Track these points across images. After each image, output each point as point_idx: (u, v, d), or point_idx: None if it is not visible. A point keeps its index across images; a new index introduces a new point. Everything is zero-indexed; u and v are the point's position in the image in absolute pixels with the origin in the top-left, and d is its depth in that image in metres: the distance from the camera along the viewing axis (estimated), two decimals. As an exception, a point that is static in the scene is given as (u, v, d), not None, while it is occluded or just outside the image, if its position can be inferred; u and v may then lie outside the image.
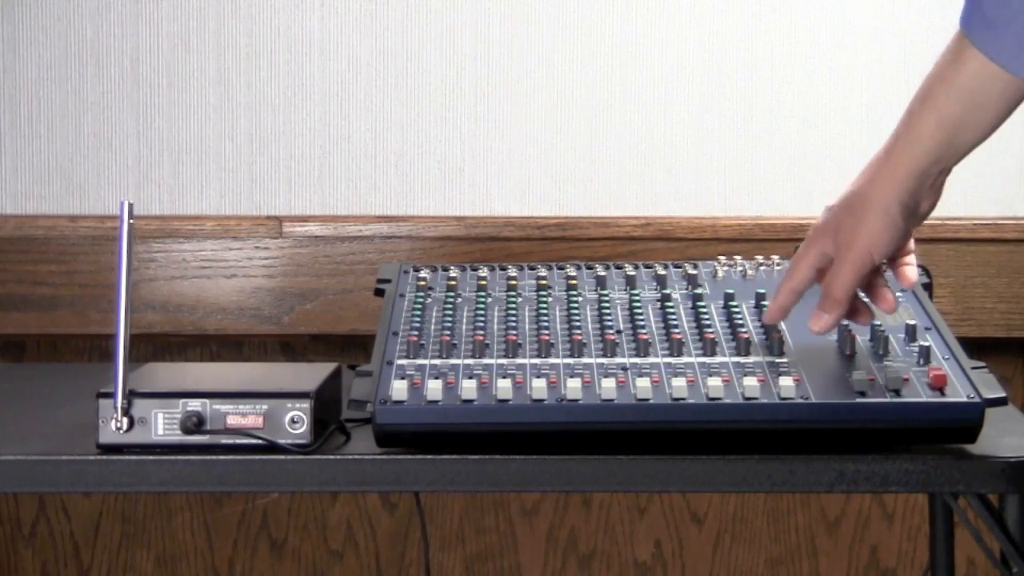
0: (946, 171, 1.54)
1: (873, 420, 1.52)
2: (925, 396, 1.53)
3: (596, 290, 1.78)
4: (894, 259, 1.62)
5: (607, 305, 1.73)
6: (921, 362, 1.58)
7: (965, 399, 1.52)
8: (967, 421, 1.52)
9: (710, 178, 2.35)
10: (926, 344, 1.59)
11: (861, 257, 1.54)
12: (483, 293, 1.77)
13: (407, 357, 1.61)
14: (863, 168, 1.57)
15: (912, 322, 1.65)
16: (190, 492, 2.32)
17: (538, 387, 1.54)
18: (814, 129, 2.34)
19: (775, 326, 1.65)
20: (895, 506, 2.43)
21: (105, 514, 2.41)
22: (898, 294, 1.74)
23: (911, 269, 1.63)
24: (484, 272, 1.84)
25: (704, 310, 1.70)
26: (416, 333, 1.65)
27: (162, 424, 1.54)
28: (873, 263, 1.55)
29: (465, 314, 1.71)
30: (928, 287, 1.78)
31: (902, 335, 1.63)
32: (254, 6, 2.33)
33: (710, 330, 1.65)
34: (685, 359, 1.60)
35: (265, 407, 1.54)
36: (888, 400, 1.52)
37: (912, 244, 1.62)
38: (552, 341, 1.62)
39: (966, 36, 1.50)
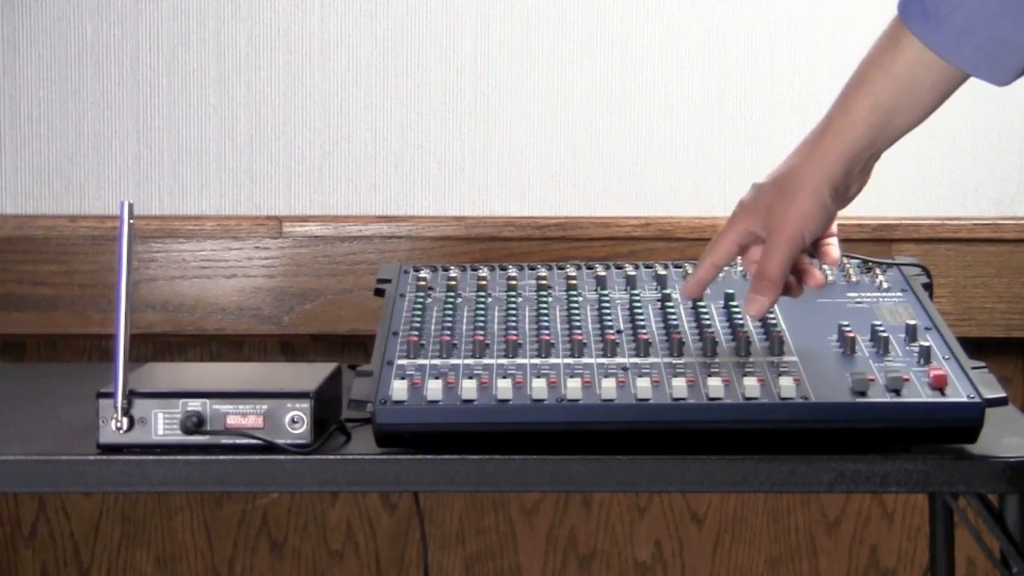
0: (876, 156, 1.56)
1: (873, 420, 1.52)
2: (925, 396, 1.53)
3: (596, 290, 1.78)
4: (817, 238, 1.63)
5: (607, 305, 1.73)
6: (921, 362, 1.58)
7: (965, 399, 1.52)
8: (967, 421, 1.52)
9: (710, 178, 2.35)
10: (926, 344, 1.59)
11: (794, 238, 1.55)
12: (483, 293, 1.77)
13: (407, 357, 1.61)
14: (795, 148, 1.58)
15: (912, 322, 1.65)
16: (190, 492, 2.32)
17: (538, 387, 1.54)
18: (814, 129, 2.34)
19: (776, 325, 1.65)
20: (895, 506, 2.43)
21: (105, 514, 2.41)
22: (898, 294, 1.75)
23: (834, 248, 1.65)
24: (484, 272, 1.84)
25: (704, 310, 1.70)
26: (416, 333, 1.65)
27: (162, 424, 1.54)
28: (804, 244, 1.57)
29: (465, 314, 1.71)
30: (928, 287, 1.78)
31: (902, 335, 1.63)
32: (254, 6, 2.33)
33: (710, 330, 1.65)
34: (685, 359, 1.60)
35: (265, 407, 1.54)
36: (888, 400, 1.52)
37: (835, 225, 1.63)
38: (552, 341, 1.62)
39: (904, 24, 1.51)
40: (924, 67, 1.50)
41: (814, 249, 1.63)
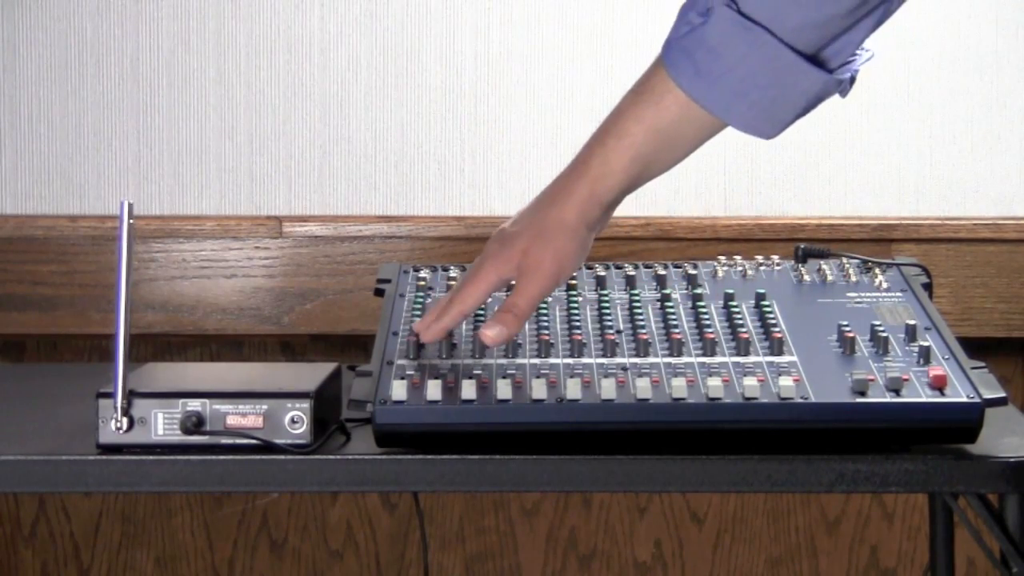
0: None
1: (873, 420, 1.52)
2: (925, 396, 1.53)
3: (596, 290, 1.77)
4: None
5: (607, 305, 1.73)
6: (921, 362, 1.58)
7: (965, 399, 1.52)
8: (967, 421, 1.52)
9: (710, 178, 2.35)
10: (926, 344, 1.59)
11: (551, 276, 1.57)
12: (483, 293, 1.77)
13: (407, 357, 1.61)
14: (548, 190, 1.61)
15: (912, 322, 1.64)
16: (190, 492, 2.32)
17: (538, 387, 1.54)
18: (814, 129, 2.34)
19: (776, 325, 1.65)
20: (895, 506, 2.43)
21: (105, 514, 2.41)
22: (898, 294, 1.75)
23: None
24: (484, 272, 1.84)
25: (704, 310, 1.70)
26: (416, 333, 1.65)
27: (162, 424, 1.54)
28: (560, 283, 1.59)
29: (465, 314, 1.71)
30: (928, 287, 1.78)
31: (902, 335, 1.63)
32: (254, 6, 2.33)
33: (710, 330, 1.65)
34: (685, 359, 1.60)
35: (265, 407, 1.54)
36: (888, 400, 1.52)
37: None
38: (552, 341, 1.62)
39: (674, 80, 1.55)
40: (688, 121, 1.55)
41: None
